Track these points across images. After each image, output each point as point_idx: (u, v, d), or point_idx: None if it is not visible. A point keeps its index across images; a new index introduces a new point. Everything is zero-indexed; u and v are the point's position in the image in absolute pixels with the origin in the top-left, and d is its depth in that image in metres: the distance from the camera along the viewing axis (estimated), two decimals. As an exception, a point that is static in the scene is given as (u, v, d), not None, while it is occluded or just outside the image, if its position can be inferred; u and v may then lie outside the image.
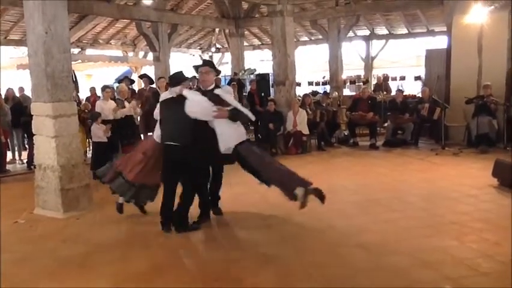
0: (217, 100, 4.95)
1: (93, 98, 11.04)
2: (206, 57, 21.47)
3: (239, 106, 5.10)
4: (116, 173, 5.34)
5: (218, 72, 5.60)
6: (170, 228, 5.01)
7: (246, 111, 5.19)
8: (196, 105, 4.89)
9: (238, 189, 6.55)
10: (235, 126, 5.00)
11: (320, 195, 4.67)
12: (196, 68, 5.35)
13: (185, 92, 4.96)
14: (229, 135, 4.94)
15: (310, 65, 20.92)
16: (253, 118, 5.24)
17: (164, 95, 5.34)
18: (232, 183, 6.29)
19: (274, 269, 4.05)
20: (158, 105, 5.32)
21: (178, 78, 5.08)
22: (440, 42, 14.79)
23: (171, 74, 5.39)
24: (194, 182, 5.09)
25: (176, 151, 4.89)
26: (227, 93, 5.19)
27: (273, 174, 4.98)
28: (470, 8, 9.53)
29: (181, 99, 4.90)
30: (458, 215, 5.29)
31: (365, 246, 4.46)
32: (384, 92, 13.16)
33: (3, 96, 9.85)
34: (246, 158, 4.96)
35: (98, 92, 11.50)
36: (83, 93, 12.64)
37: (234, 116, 4.94)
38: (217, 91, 5.11)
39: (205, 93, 5.07)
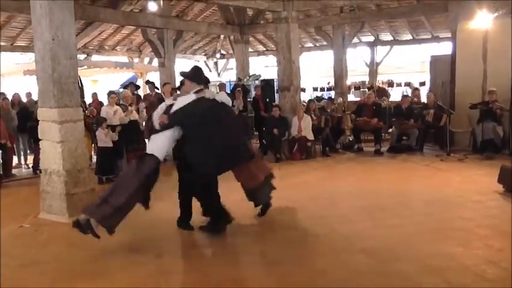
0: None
1: (95, 104, 11.09)
2: (211, 63, 21.60)
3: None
4: None
5: (197, 80, 5.19)
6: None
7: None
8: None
9: (241, 195, 6.54)
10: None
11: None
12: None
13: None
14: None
15: (315, 71, 20.95)
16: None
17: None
18: (234, 188, 6.29)
19: (278, 274, 4.04)
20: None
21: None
22: (444, 48, 14.78)
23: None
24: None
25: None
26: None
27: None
28: (475, 14, 9.54)
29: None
30: (463, 221, 5.28)
31: (369, 252, 4.45)
32: (383, 98, 13.19)
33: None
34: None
35: (101, 98, 11.61)
36: (88, 99, 12.73)
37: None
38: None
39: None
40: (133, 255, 4.62)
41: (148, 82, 11.12)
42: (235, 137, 5.19)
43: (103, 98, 10.83)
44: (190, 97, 4.99)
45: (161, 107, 5.26)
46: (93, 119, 8.91)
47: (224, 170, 5.08)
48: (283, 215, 5.80)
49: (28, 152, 10.22)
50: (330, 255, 4.42)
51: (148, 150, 4.94)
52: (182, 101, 5.00)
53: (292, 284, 3.85)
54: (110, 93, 8.79)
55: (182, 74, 5.29)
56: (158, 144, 4.92)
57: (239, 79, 14.20)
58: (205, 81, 5.24)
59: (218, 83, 13.88)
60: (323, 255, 4.45)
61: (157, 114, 5.10)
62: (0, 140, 8.58)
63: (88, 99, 11.99)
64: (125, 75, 17.69)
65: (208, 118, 4.91)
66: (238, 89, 11.69)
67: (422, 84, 16.12)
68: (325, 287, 3.79)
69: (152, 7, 12.17)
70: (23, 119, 9.48)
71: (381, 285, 3.78)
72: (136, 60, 17.67)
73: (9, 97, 10.48)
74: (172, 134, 4.94)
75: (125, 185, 4.67)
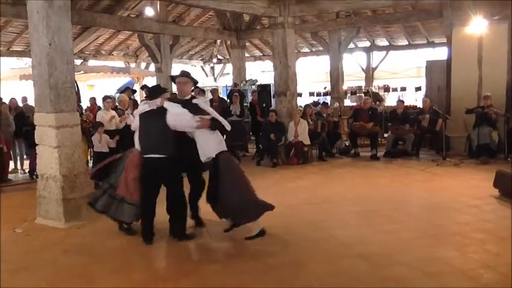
0: (196, 110, 5.03)
1: (93, 109, 11.07)
2: (207, 68, 21.64)
3: (216, 115, 5.15)
4: (117, 199, 5.11)
5: (195, 82, 5.52)
6: (152, 241, 5.01)
7: (223, 120, 5.21)
8: (178, 117, 4.98)
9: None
10: (214, 136, 5.06)
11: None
12: (173, 78, 5.50)
13: (166, 104, 5.05)
14: (210, 144, 5.01)
15: (312, 76, 21.01)
16: (229, 127, 5.22)
17: (142, 108, 5.20)
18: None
19: (275, 279, 4.04)
20: (136, 118, 5.25)
21: (157, 91, 5.16)
22: (440, 53, 14.89)
23: (150, 87, 5.52)
24: (180, 190, 5.12)
25: (161, 163, 4.91)
26: (204, 103, 5.25)
27: (234, 199, 4.91)
28: (470, 20, 9.61)
29: (161, 110, 4.97)
30: (460, 226, 5.29)
31: (366, 257, 4.46)
32: (377, 102, 13.25)
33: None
34: (221, 171, 4.95)
35: (99, 103, 11.58)
36: (85, 104, 12.70)
37: (214, 125, 5.01)
38: (195, 101, 5.22)
39: (183, 102, 5.19)
40: (129, 260, 4.61)
41: (144, 87, 11.11)
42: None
43: (100, 103, 10.81)
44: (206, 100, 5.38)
45: (183, 112, 5.08)
46: (90, 124, 8.89)
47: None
48: (280, 220, 5.80)
49: (25, 157, 10.19)
50: (327, 260, 4.43)
51: (216, 152, 5.02)
52: (200, 103, 5.14)
53: (290, 289, 3.85)
54: (105, 97, 8.78)
55: (184, 74, 5.43)
56: (217, 142, 5.09)
57: (235, 84, 14.23)
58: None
59: (210, 88, 13.88)
60: (320, 260, 4.45)
61: (187, 120, 5.00)
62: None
63: (85, 104, 11.97)
64: (122, 80, 17.67)
65: None
66: (235, 94, 11.70)
67: (418, 89, 16.20)
68: (322, 292, 3.79)
69: (149, 12, 12.22)
70: (20, 124, 9.46)
71: (378, 290, 3.79)
72: (132, 65, 17.69)
73: (5, 102, 10.45)
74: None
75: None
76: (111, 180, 5.21)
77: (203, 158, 5.03)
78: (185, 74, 5.43)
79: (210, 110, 5.17)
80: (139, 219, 5.19)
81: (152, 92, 5.18)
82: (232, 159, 5.29)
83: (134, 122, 5.29)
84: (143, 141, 5.05)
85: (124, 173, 5.12)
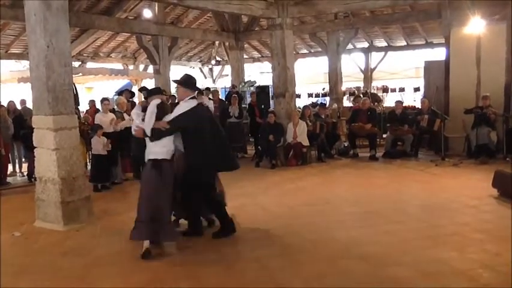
0: (163, 113, 4.98)
1: (92, 111, 11.02)
2: (206, 69, 21.63)
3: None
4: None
5: (190, 87, 5.22)
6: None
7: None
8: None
9: (238, 201, 6.56)
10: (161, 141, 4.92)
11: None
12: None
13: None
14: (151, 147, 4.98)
15: (310, 77, 21.01)
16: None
17: (136, 111, 5.25)
18: (231, 194, 6.29)
19: (275, 281, 4.03)
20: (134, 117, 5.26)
21: (154, 92, 5.37)
22: (438, 53, 14.88)
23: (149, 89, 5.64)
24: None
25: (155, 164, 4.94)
26: (184, 107, 5.09)
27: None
28: (468, 20, 9.62)
29: None
30: (459, 226, 5.29)
31: (365, 258, 4.45)
32: (376, 103, 13.28)
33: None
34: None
35: (98, 105, 11.55)
36: (83, 106, 12.68)
37: (153, 134, 4.87)
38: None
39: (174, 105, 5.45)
40: (128, 262, 4.59)
41: (142, 89, 11.08)
42: (227, 144, 5.45)
43: (99, 105, 10.79)
44: (191, 103, 5.05)
45: (137, 113, 5.17)
46: (88, 127, 8.89)
47: (214, 175, 5.34)
48: (280, 221, 5.80)
49: (23, 160, 10.17)
50: (327, 261, 4.42)
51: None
52: (182, 107, 5.04)
53: (289, 291, 3.84)
54: (103, 100, 8.78)
55: (176, 81, 5.40)
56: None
57: (233, 86, 14.21)
58: (198, 89, 5.45)
59: (212, 89, 13.86)
60: (319, 261, 4.44)
61: (133, 122, 5.24)
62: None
63: (84, 107, 11.95)
64: (120, 82, 17.66)
65: (206, 124, 5.10)
66: (234, 95, 11.70)
67: (417, 89, 16.20)
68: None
69: (147, 14, 12.21)
70: (18, 127, 9.44)
71: (378, 291, 3.78)
72: (131, 67, 17.68)
73: (3, 105, 10.44)
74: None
75: None
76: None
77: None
78: (177, 81, 5.35)
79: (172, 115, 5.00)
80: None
81: (149, 93, 5.30)
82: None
83: (135, 122, 5.21)
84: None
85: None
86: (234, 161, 5.58)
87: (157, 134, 4.85)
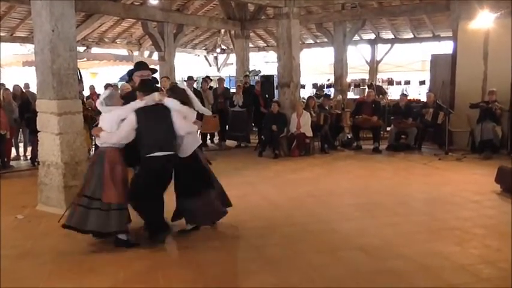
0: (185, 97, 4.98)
1: (93, 97, 10.99)
2: (211, 58, 21.54)
3: (198, 103, 5.19)
4: (100, 209, 4.49)
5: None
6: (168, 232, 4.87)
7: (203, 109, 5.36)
8: (183, 122, 4.78)
9: (240, 191, 6.57)
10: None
11: None
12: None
13: (167, 101, 4.74)
14: (190, 142, 4.93)
15: (315, 68, 20.90)
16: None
17: (136, 104, 4.66)
18: (233, 183, 6.31)
19: (275, 270, 4.05)
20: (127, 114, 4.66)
21: (151, 86, 4.85)
22: (445, 47, 14.78)
23: (141, 80, 4.98)
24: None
25: (170, 160, 4.68)
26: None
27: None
28: (476, 13, 9.52)
29: (161, 107, 4.69)
30: (460, 221, 5.29)
31: (366, 250, 4.46)
32: (380, 95, 13.25)
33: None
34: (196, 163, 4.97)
35: (99, 90, 11.53)
36: (87, 91, 12.67)
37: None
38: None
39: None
40: (129, 249, 4.60)
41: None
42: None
43: (101, 90, 10.75)
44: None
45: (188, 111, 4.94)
46: (92, 112, 8.88)
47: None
48: (281, 212, 5.81)
49: (28, 144, 10.18)
50: (328, 252, 4.43)
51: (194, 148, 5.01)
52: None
53: (289, 280, 3.85)
54: (107, 85, 8.75)
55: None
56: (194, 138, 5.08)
57: (246, 76, 13.85)
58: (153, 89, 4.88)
59: (217, 78, 13.80)
60: (320, 252, 4.45)
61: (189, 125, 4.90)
62: (0, 131, 8.54)
63: (86, 92, 11.93)
64: (125, 69, 17.58)
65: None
66: (238, 84, 11.65)
67: (422, 83, 16.11)
68: (322, 284, 3.79)
69: (153, 0, 12.13)
70: (24, 111, 9.42)
71: (378, 283, 3.79)
72: (135, 53, 17.61)
73: (8, 88, 10.42)
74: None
75: None
76: (88, 192, 4.55)
77: (183, 155, 4.87)
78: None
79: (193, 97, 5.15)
80: (130, 222, 4.82)
81: (146, 87, 4.78)
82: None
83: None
84: (149, 139, 4.61)
85: (109, 175, 4.51)
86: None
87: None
